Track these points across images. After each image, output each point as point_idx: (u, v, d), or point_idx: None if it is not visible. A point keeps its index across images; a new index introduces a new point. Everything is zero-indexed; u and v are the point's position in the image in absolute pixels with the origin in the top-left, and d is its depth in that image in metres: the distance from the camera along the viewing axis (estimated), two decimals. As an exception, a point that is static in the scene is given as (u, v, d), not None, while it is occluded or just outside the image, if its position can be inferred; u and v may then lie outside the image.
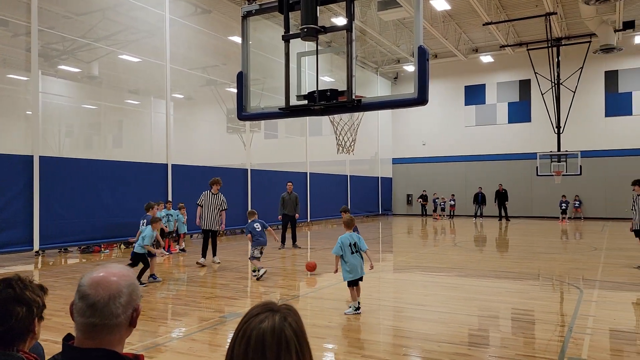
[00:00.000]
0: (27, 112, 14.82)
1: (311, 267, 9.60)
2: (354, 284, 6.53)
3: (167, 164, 15.12)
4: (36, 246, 11.46)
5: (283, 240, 14.02)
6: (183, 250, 13.38)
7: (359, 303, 6.51)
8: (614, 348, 5.15)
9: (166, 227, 12.71)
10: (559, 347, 5.08)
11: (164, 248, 12.76)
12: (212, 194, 11.13)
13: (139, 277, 8.61)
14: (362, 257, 6.63)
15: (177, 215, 13.45)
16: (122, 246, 14.48)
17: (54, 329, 5.64)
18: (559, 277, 9.25)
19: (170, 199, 14.29)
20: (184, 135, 20.68)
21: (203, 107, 21.53)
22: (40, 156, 11.65)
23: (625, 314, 6.68)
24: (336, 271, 6.77)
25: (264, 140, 22.30)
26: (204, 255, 11.19)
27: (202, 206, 11.10)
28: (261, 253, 9.33)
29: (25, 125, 16.64)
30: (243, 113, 5.16)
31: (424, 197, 28.81)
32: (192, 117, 21.25)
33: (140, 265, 8.76)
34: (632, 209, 10.13)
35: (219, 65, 18.95)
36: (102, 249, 13.61)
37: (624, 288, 8.13)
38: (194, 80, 18.96)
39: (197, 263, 10.93)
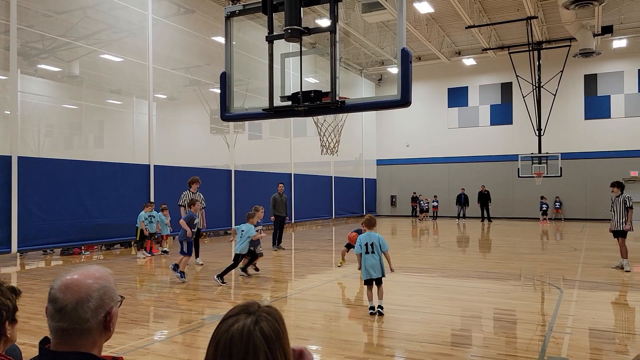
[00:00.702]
0: (6, 112, 14.56)
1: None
2: (368, 283, 6.55)
3: (149, 165, 14.97)
4: (14, 248, 11.24)
5: (275, 242, 13.94)
6: (166, 252, 13.25)
7: (379, 306, 6.43)
8: (593, 347, 5.23)
9: (146, 229, 12.57)
10: (539, 347, 5.14)
11: (145, 249, 12.65)
12: (192, 193, 11.08)
13: (244, 269, 9.18)
14: (380, 258, 6.60)
15: (160, 217, 13.33)
16: (103, 248, 14.29)
17: (31, 332, 5.54)
18: (539, 277, 9.38)
19: (152, 200, 14.15)
20: (166, 136, 20.51)
21: (186, 108, 21.38)
22: (18, 156, 11.44)
23: (604, 313, 6.79)
24: (359, 268, 6.70)
25: (248, 141, 22.23)
26: (197, 255, 11.14)
27: (183, 206, 11.03)
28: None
29: (3, 125, 16.33)
30: (226, 114, 5.13)
31: (413, 199, 28.95)
32: (175, 117, 21.08)
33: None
34: (611, 210, 10.31)
35: (203, 66, 18.84)
36: (83, 251, 13.42)
37: (602, 288, 8.27)
38: (177, 80, 18.82)
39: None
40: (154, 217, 12.95)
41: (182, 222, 9.19)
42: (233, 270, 9.14)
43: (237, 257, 8.98)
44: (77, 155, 19.58)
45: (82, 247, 13.40)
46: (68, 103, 19.91)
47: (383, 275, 6.54)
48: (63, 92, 19.92)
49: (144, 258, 12.24)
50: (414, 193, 29.16)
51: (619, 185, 10.22)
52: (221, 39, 14.96)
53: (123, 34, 16.36)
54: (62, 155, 19.28)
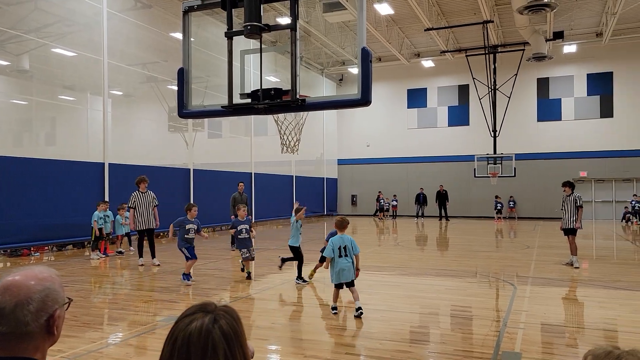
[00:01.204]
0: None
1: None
2: (339, 287, 6.41)
3: (103, 163, 14.51)
4: (-43, 250, 10.66)
5: (234, 242, 13.69)
6: (120, 252, 12.87)
7: (358, 308, 6.25)
8: (544, 341, 5.41)
9: (101, 228, 12.18)
10: (494, 342, 5.27)
11: (99, 250, 12.24)
12: (141, 192, 10.83)
13: (299, 273, 8.63)
14: (353, 261, 6.43)
15: (116, 217, 12.93)
16: (54, 249, 13.75)
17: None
18: (494, 274, 9.64)
19: (107, 199, 13.72)
20: (122, 134, 19.90)
21: (143, 105, 20.81)
22: (-38, 154, 10.85)
23: (555, 308, 7.04)
24: (327, 267, 6.55)
25: (207, 140, 21.86)
26: (141, 255, 10.87)
27: (134, 207, 10.80)
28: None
29: (-55, 120, 15.47)
30: (184, 110, 5.01)
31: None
32: (131, 114, 20.48)
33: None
34: (562, 209, 10.69)
35: (160, 62, 18.40)
36: (32, 252, 12.86)
37: (553, 284, 8.57)
38: (134, 76, 18.28)
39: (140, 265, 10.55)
40: (109, 216, 12.56)
41: (170, 227, 9.11)
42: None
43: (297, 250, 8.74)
44: (27, 152, 18.73)
45: (32, 248, 12.84)
46: (17, 98, 19.04)
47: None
48: (12, 87, 19.02)
49: (98, 259, 11.86)
50: (380, 193, 29.24)
51: (570, 185, 10.62)
52: (179, 35, 14.67)
53: (76, 27, 15.76)
54: (11, 152, 18.40)
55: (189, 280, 8.67)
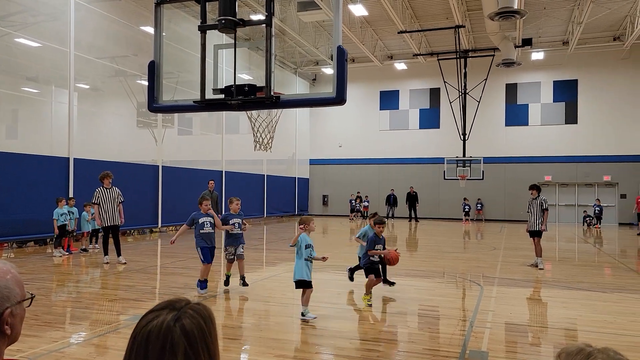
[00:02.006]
0: None
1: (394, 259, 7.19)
2: (302, 286, 6.12)
3: (68, 158, 14.10)
4: None
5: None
6: (85, 250, 12.53)
7: (307, 312, 6.07)
8: (509, 340, 5.51)
9: (64, 225, 11.82)
10: (461, 341, 5.34)
11: (62, 248, 11.88)
12: (106, 188, 10.56)
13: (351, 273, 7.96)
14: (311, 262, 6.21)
15: (82, 213, 12.56)
16: (14, 245, 13.27)
17: None
18: (462, 274, 9.79)
19: (71, 195, 13.33)
20: (89, 128, 19.41)
21: (111, 99, 20.34)
22: None
23: (520, 308, 7.19)
24: (293, 244, 6.22)
25: (177, 137, 21.50)
26: (106, 253, 10.60)
27: (98, 204, 10.52)
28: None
29: None
30: (154, 104, 4.89)
31: (358, 199, 29.12)
32: (98, 109, 19.99)
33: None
34: (528, 212, 10.93)
35: (130, 56, 18.01)
36: (-9, 249, 12.39)
37: (519, 284, 8.76)
38: (102, 70, 17.83)
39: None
40: (73, 213, 12.20)
41: (183, 227, 7.71)
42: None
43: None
44: (-13, 145, 18.06)
45: (-9, 245, 12.38)
46: (-23, 89, 18.33)
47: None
48: (-28, 77, 18.31)
49: (61, 256, 11.51)
50: (358, 192, 29.26)
51: (537, 189, 10.87)
52: (150, 29, 14.39)
53: (42, 17, 15.28)
54: (-30, 145, 17.72)
55: (202, 289, 7.47)
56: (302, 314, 6.05)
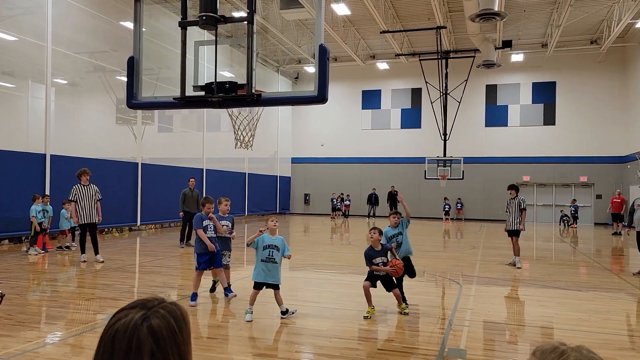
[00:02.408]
0: None
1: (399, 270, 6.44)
2: (259, 287, 5.99)
3: (45, 154, 13.82)
4: None
5: (183, 239, 13.36)
6: (66, 247, 12.29)
7: (284, 311, 6.00)
8: (487, 338, 5.58)
9: (41, 223, 11.60)
10: (440, 339, 5.39)
11: (38, 246, 11.65)
12: (83, 185, 10.38)
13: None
14: (280, 264, 6.03)
15: (62, 211, 12.29)
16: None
17: None
18: (441, 273, 9.87)
19: (48, 192, 13.07)
20: (66, 124, 19.05)
21: (89, 95, 20.00)
22: None
23: (498, 306, 7.29)
24: (249, 243, 5.99)
25: (157, 134, 21.25)
26: (83, 251, 10.42)
27: (75, 201, 10.32)
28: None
29: None
30: (133, 101, 4.84)
31: (341, 199, 29.11)
32: (76, 105, 19.64)
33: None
34: (506, 211, 11.06)
35: (109, 52, 17.72)
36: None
37: (497, 283, 8.87)
38: (80, 65, 17.52)
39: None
40: (48, 211, 11.96)
41: (200, 233, 6.87)
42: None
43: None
44: (-40, 141, 17.60)
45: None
46: (-50, 83, 17.87)
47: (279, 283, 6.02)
48: (-56, 70, 17.82)
49: (37, 255, 11.28)
50: (341, 194, 29.27)
51: (515, 188, 11.02)
52: (130, 25, 14.20)
53: (18, 10, 14.94)
54: (-58, 140, 17.24)
55: (193, 300, 6.75)
56: (282, 313, 6.04)
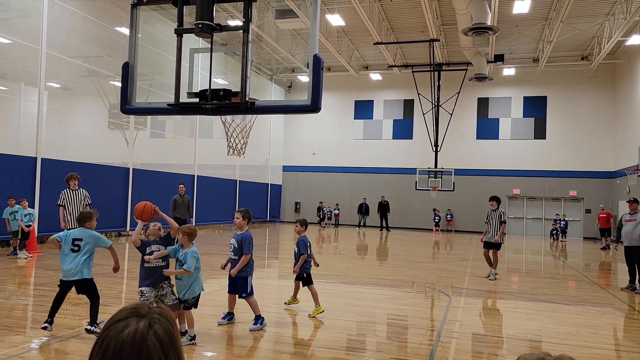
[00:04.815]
0: None
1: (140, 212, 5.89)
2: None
3: (36, 158, 13.73)
4: None
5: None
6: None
7: (192, 333, 5.31)
8: (475, 350, 5.60)
9: (29, 225, 11.49)
10: (428, 350, 5.40)
11: (20, 249, 11.53)
12: (72, 190, 10.28)
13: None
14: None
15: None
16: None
17: None
18: (431, 284, 9.90)
19: (37, 195, 12.97)
20: (58, 128, 18.97)
21: (82, 99, 19.94)
22: None
23: (487, 319, 7.32)
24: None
25: (149, 139, 21.19)
26: None
27: (63, 206, 10.20)
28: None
29: None
30: (127, 106, 4.84)
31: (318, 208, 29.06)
32: (69, 108, 19.56)
33: None
34: (486, 222, 11.05)
35: (103, 57, 17.71)
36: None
37: (486, 295, 8.91)
38: (74, 69, 17.49)
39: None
40: (32, 215, 11.85)
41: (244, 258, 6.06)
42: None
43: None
44: (-51, 142, 17.45)
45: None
46: (-59, 84, 17.76)
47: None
48: (-64, 71, 17.70)
49: (25, 258, 11.17)
50: (321, 202, 29.23)
51: (497, 200, 11.07)
52: (125, 30, 14.21)
53: (13, 13, 14.93)
54: None
55: (258, 323, 6.00)
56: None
